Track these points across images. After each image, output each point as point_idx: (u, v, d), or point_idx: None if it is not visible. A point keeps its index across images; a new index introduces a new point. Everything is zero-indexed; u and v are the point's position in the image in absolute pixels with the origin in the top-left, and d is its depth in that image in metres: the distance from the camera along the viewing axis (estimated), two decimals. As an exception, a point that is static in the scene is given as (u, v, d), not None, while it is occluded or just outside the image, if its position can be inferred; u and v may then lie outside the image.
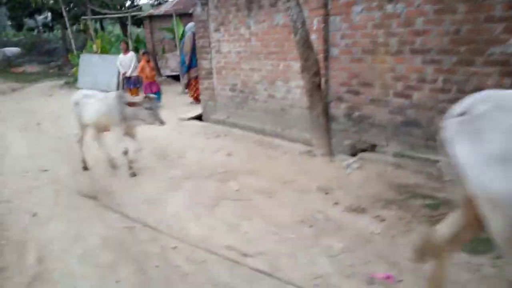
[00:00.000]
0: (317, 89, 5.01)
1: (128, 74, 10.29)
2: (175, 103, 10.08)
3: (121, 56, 10.41)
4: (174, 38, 17.42)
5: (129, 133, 4.98)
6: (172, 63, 15.21)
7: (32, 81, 18.55)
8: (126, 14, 15.23)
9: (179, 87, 12.54)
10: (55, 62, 25.09)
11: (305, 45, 4.84)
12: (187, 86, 9.98)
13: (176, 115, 8.59)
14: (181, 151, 5.82)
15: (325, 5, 5.56)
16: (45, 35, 35.03)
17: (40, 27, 30.48)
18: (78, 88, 14.36)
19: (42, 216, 3.86)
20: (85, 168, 5.31)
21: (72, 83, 15.13)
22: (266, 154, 5.44)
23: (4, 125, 8.38)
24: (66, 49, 27.10)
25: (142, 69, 9.59)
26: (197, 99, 10.07)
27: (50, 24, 28.58)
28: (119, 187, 4.60)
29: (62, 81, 16.69)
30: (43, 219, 3.80)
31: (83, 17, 16.04)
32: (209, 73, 8.16)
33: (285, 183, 4.33)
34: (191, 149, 5.88)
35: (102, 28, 27.41)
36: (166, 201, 4.11)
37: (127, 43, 10.84)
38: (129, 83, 10.29)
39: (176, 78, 14.32)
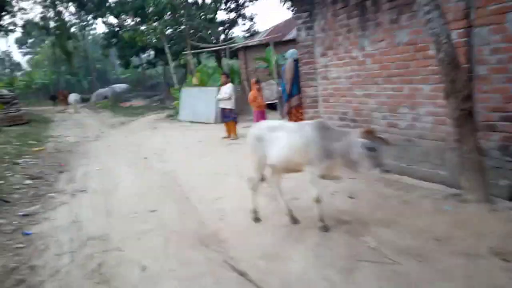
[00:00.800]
0: (467, 117, 4.01)
1: (221, 105, 10.15)
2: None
3: (222, 88, 10.39)
4: (268, 67, 17.42)
5: (329, 175, 3.89)
6: (266, 92, 15.00)
7: (138, 114, 19.89)
8: (225, 46, 15.55)
9: (274, 116, 12.16)
10: (158, 96, 26.92)
11: (452, 63, 3.92)
12: (288, 115, 9.46)
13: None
14: (293, 191, 5.15)
15: (467, 15, 4.59)
16: (148, 71, 38.25)
17: (144, 64, 33.30)
18: (180, 120, 14.88)
19: (152, 271, 3.43)
20: (257, 219, 4.29)
21: (174, 115, 15.75)
22: (399, 197, 4.51)
23: (114, 159, 8.63)
24: (167, 84, 29.05)
25: (254, 98, 9.41)
26: (298, 129, 9.51)
27: (153, 61, 31.05)
28: (232, 234, 4.05)
29: (164, 114, 17.55)
30: (153, 275, 3.36)
31: (184, 52, 16.80)
32: (315, 101, 7.52)
33: (438, 240, 3.37)
34: (304, 189, 5.18)
35: (199, 62, 28.91)
36: (289, 257, 3.42)
37: (227, 75, 10.77)
38: (224, 116, 10.12)
39: (270, 107, 14.01)
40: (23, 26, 41.74)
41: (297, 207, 4.52)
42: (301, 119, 9.21)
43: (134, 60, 33.62)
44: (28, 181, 6.91)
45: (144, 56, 33.64)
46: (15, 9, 36.64)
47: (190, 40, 16.78)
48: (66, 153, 10.02)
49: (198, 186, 5.96)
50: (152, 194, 5.80)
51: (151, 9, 17.21)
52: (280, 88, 11.88)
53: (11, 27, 37.82)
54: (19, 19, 38.66)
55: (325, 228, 3.86)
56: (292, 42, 16.89)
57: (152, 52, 30.01)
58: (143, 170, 7.41)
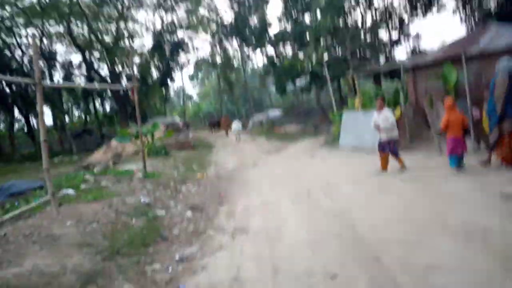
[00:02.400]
0: None
1: (383, 138, 8.29)
2: (470, 166, 7.34)
3: (375, 114, 8.61)
4: (445, 87, 14.80)
5: None
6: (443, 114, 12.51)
7: (293, 140, 19.33)
8: (394, 67, 13.70)
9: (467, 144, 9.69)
10: (311, 121, 26.21)
11: None
12: (497, 143, 7.06)
13: (488, 187, 5.84)
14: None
15: None
16: (301, 97, 38.34)
17: (298, 90, 33.32)
18: (339, 147, 13.49)
19: None
20: None
21: (332, 142, 14.46)
22: None
23: (274, 191, 7.69)
24: (321, 109, 28.24)
25: (449, 123, 7.40)
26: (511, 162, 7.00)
27: (307, 87, 30.74)
28: None
29: (320, 140, 16.45)
30: None
31: (346, 74, 15.43)
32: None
33: None
34: None
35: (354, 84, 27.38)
36: None
37: (384, 99, 8.92)
38: (383, 147, 8.27)
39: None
40: (195, 63, 47.52)
41: None
42: (520, 149, 6.75)
43: (289, 86, 34.03)
44: (188, 213, 6.40)
45: (298, 82, 33.80)
46: (190, 48, 42.10)
47: (352, 61, 15.41)
48: (226, 181, 9.62)
49: (389, 240, 4.34)
50: (327, 246, 4.44)
51: (310, 34, 16.64)
52: (475, 111, 9.40)
53: (185, 63, 43.49)
54: (192, 57, 44.22)
55: None
56: (474, 59, 14.01)
57: (306, 78, 29.79)
58: (309, 208, 6.17)
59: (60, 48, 39.43)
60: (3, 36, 33.85)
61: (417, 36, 27.98)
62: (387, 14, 26.04)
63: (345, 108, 15.18)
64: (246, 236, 5.13)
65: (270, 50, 32.21)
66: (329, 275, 3.65)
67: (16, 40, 35.05)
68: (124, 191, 7.71)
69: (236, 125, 23.55)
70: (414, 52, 27.15)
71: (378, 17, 24.66)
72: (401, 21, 27.04)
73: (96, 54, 39.74)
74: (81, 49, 36.60)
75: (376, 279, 3.48)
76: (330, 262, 3.95)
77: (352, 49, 17.30)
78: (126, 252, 4.46)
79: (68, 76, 38.88)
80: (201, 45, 66.70)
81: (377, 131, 8.50)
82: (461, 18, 26.74)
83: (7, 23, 33.08)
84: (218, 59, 42.41)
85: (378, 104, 8.58)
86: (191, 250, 4.74)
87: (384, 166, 8.46)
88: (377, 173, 8.35)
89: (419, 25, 74.93)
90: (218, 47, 41.13)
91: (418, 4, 27.03)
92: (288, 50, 29.15)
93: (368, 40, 21.27)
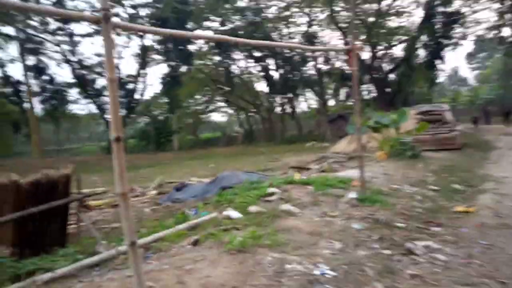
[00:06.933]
0: None
1: None
2: None
3: None
4: None
5: None
6: None
7: None
8: None
9: None
10: None
11: None
12: None
13: None
14: None
15: None
16: None
17: None
18: None
19: None
20: None
21: None
22: None
23: None
24: None
25: None
26: None
27: None
28: None
29: None
30: None
31: None
32: None
33: None
34: None
35: None
36: None
37: None
38: None
39: None
40: (475, 40, 38.32)
41: None
42: None
43: None
44: None
45: None
46: (468, 20, 33.79)
47: None
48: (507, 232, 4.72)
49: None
50: None
51: None
52: None
53: (460, 40, 35.38)
54: (470, 32, 35.58)
55: None
56: None
57: None
58: None
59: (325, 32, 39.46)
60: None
61: None
62: None
63: None
64: None
65: None
66: None
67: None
68: (305, 233, 4.42)
69: None
70: None
71: None
72: None
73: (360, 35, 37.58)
74: (342, 31, 35.41)
75: None
76: None
77: None
78: None
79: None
80: (483, 16, 53.34)
81: None
82: None
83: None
84: (508, 32, 32.17)
85: None
86: None
87: None
88: None
89: None
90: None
91: None
92: None
93: None
